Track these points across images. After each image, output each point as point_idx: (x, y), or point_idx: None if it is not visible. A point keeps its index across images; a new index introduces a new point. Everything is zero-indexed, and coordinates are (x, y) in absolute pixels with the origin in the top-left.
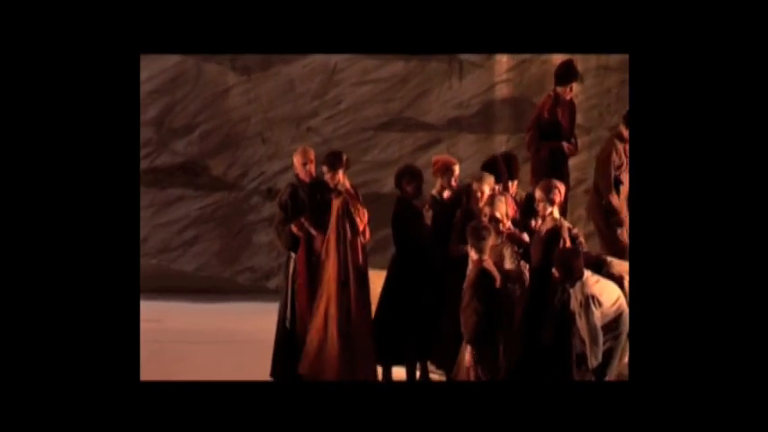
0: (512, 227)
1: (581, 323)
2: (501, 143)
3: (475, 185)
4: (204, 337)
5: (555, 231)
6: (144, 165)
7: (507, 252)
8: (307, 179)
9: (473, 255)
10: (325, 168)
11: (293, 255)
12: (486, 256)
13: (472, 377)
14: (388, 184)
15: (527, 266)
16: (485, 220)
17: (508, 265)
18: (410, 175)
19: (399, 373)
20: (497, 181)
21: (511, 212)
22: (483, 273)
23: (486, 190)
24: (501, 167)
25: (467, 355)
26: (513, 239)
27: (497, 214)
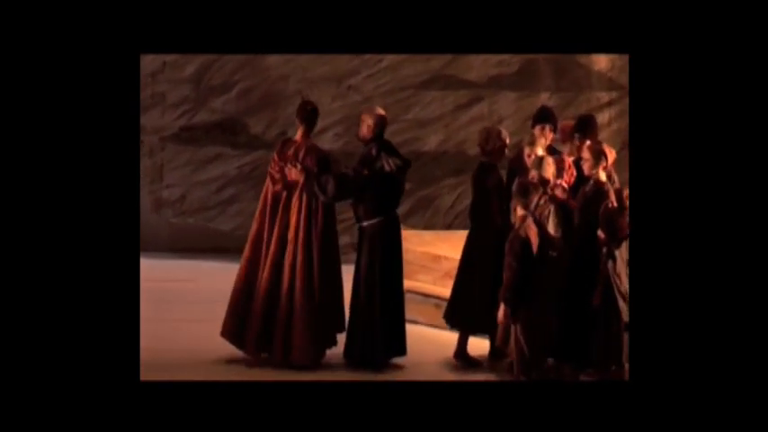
0: (560, 191)
1: (627, 285)
2: (543, 101)
3: (527, 150)
4: None
5: (600, 194)
6: (182, 122)
7: (552, 216)
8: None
9: (519, 211)
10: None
11: None
12: (529, 214)
13: (512, 341)
14: (429, 143)
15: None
16: (533, 180)
17: (552, 230)
18: (499, 139)
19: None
20: (581, 136)
21: (567, 177)
22: (523, 230)
23: (539, 152)
24: (594, 123)
25: (500, 312)
26: (559, 203)
27: (546, 176)
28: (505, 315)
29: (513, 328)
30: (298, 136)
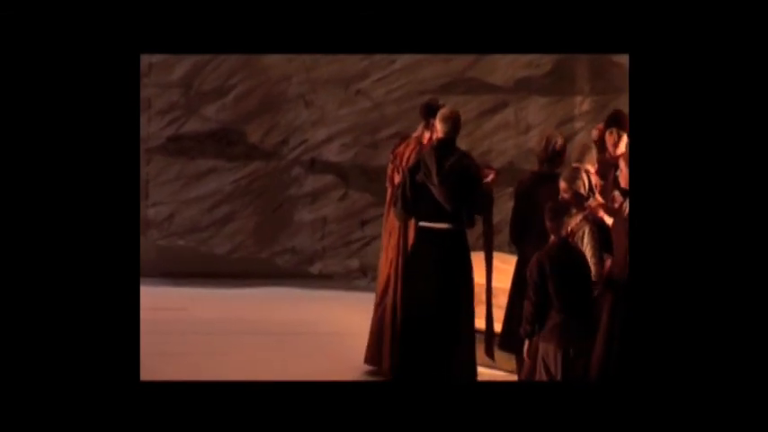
0: (599, 209)
1: None
2: (576, 106)
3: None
4: (237, 328)
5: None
6: (170, 132)
7: (587, 240)
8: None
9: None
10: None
11: None
12: (557, 238)
13: (543, 374)
14: None
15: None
16: (565, 197)
17: (588, 256)
18: (559, 146)
19: None
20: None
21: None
22: (544, 258)
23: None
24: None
25: (525, 346)
26: (597, 223)
27: (581, 191)
28: (528, 350)
29: (538, 364)
30: (415, 132)
